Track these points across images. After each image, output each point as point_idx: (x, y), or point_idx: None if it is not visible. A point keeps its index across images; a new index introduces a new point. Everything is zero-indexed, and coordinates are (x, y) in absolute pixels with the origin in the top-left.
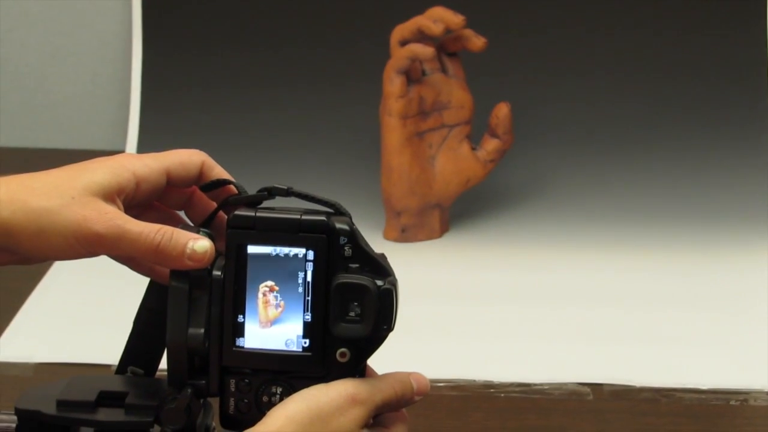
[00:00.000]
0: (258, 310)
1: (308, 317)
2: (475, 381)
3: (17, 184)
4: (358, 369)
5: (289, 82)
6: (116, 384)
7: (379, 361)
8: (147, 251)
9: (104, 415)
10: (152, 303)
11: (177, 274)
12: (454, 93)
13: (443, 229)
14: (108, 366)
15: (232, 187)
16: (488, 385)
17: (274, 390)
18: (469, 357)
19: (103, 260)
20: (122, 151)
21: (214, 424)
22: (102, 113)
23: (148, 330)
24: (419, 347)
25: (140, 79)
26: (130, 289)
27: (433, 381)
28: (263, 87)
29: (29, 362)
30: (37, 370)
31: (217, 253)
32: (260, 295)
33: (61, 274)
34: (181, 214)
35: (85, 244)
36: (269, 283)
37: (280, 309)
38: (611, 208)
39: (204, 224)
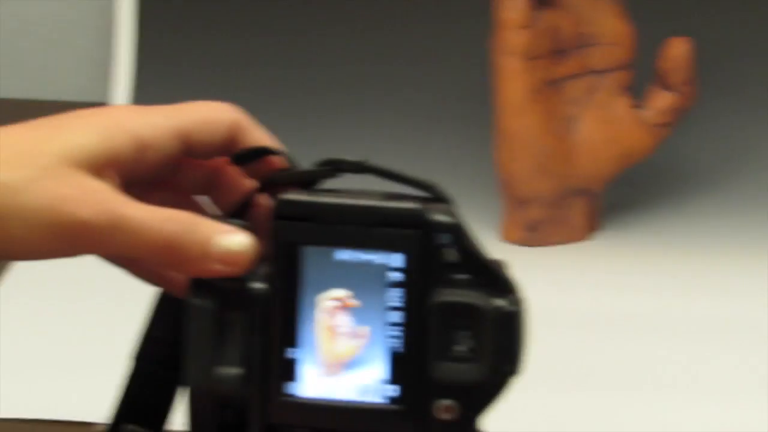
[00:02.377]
0: (318, 342)
1: (396, 354)
2: None
3: None
4: (469, 430)
5: (344, 2)
6: None
7: (496, 421)
8: (155, 248)
9: None
10: (161, 328)
11: (200, 285)
12: (606, 22)
13: (591, 227)
14: (92, 424)
15: (278, 158)
16: None
17: None
18: (631, 413)
19: (88, 262)
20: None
21: None
22: (82, 51)
23: (155, 369)
24: (555, 400)
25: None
26: (127, 307)
27: None
28: (306, 15)
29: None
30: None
31: (258, 256)
32: (321, 319)
33: (20, 283)
34: (206, 200)
35: (62, 237)
36: (339, 293)
37: (358, 342)
38: None
39: (238, 212)
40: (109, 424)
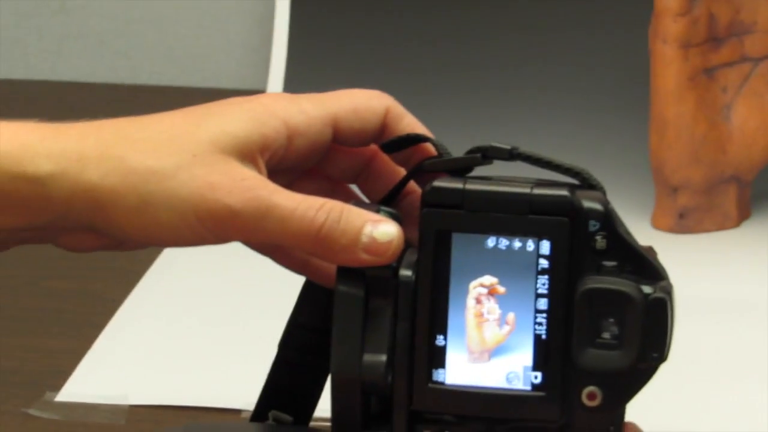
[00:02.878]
0: (467, 330)
1: (541, 340)
2: None
3: (112, 133)
4: (613, 417)
5: None
6: None
7: (637, 410)
8: (303, 237)
9: None
10: (307, 316)
11: (347, 273)
12: (762, 9)
13: (743, 215)
14: (237, 411)
15: (428, 146)
16: None
17: None
18: None
19: (235, 249)
20: (263, 92)
21: None
22: (238, 38)
23: (301, 357)
24: (702, 393)
25: None
26: (272, 294)
27: None
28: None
29: (121, 404)
30: (132, 417)
31: (407, 243)
32: (471, 306)
33: (170, 268)
34: (353, 188)
35: (210, 225)
36: (488, 280)
37: (505, 329)
38: None
39: (387, 200)
40: (255, 411)
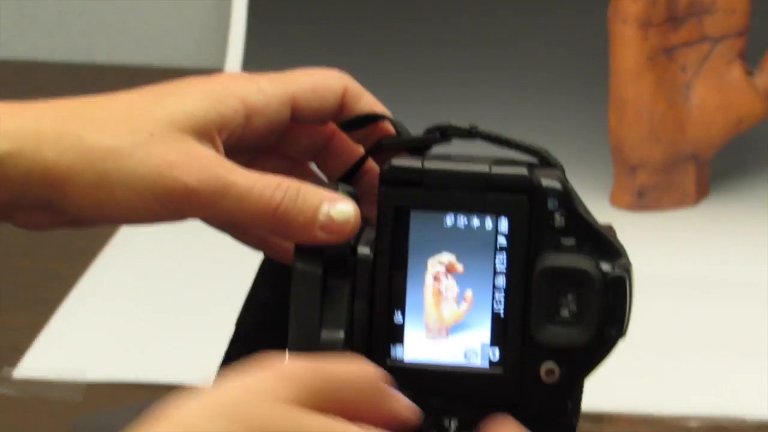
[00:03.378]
0: (426, 307)
1: (499, 317)
2: (744, 420)
3: (70, 112)
4: (571, 393)
5: None
6: None
7: (594, 387)
8: (260, 216)
9: None
10: (265, 293)
11: (305, 251)
12: None
13: (701, 193)
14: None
15: (387, 124)
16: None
17: (446, 424)
18: (736, 386)
19: (192, 227)
20: (222, 71)
21: None
22: (196, 17)
23: (259, 334)
24: (658, 367)
25: None
26: (229, 271)
27: (676, 418)
28: None
29: (78, 381)
30: (89, 393)
31: (365, 221)
32: (429, 283)
33: (126, 246)
34: (312, 166)
35: (167, 203)
36: (447, 257)
37: (463, 306)
38: None
39: (345, 178)
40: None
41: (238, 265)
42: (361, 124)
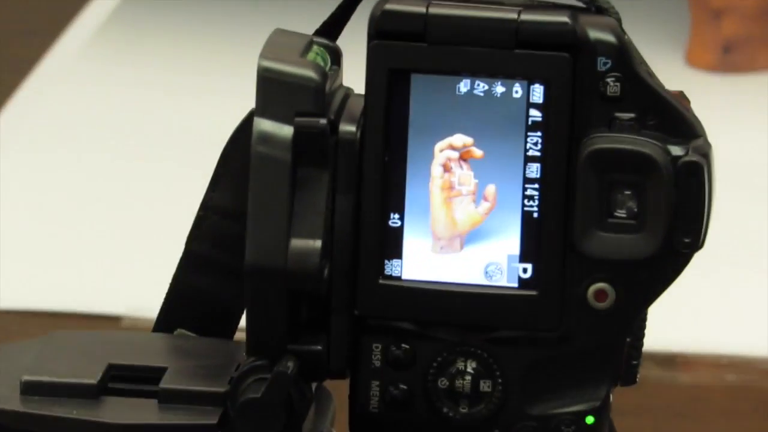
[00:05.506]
0: (432, 207)
1: (531, 220)
2: None
3: None
4: (629, 324)
5: None
6: (145, 350)
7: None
8: None
9: (111, 411)
10: (224, 198)
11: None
12: None
13: None
14: (116, 318)
15: None
16: None
17: (461, 366)
18: None
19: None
20: None
21: (335, 431)
22: None
23: (215, 252)
24: (749, 294)
25: None
26: (178, 174)
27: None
28: None
29: (9, 310)
30: (23, 324)
31: (348, 90)
32: (437, 175)
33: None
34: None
35: None
36: (460, 140)
37: (483, 206)
38: None
39: (326, 31)
40: (156, 324)
41: (192, 169)
42: None
